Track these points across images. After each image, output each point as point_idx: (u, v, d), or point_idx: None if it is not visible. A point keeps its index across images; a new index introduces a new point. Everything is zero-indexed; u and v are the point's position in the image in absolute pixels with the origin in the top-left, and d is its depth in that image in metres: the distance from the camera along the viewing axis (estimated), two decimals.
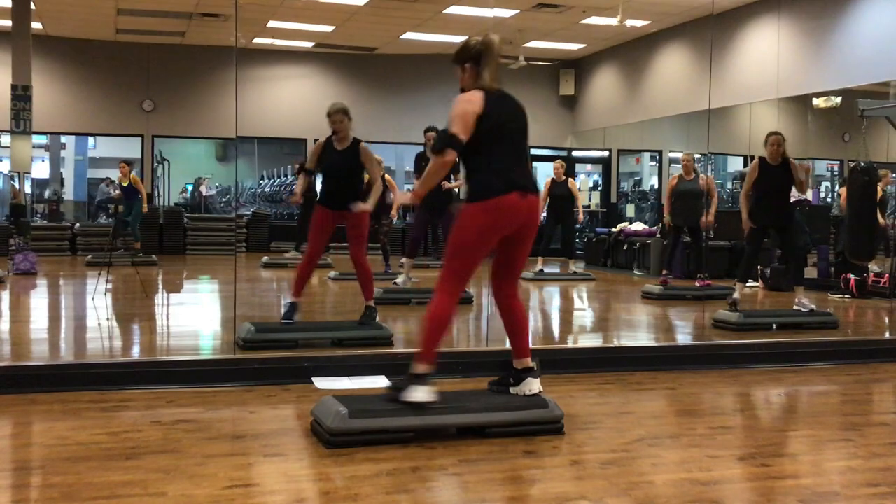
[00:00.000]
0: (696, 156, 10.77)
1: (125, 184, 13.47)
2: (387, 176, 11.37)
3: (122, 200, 13.33)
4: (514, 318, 4.24)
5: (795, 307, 7.69)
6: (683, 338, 7.51)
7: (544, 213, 11.68)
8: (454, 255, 4.02)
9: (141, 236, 13.68)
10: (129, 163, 13.98)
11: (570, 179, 12.01)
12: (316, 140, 18.08)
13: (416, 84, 17.44)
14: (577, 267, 12.22)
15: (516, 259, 4.20)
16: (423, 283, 10.68)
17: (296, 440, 3.98)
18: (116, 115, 16.67)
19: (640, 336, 7.55)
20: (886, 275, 9.92)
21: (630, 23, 13.52)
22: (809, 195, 12.61)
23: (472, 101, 4.11)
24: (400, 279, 9.41)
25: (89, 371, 5.00)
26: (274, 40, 16.11)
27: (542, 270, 11.49)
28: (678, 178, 10.20)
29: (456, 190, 9.10)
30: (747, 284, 10.30)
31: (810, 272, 11.55)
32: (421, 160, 9.44)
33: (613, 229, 14.33)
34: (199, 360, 5.61)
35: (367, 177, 6.47)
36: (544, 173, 18.61)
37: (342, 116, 6.36)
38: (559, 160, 12.67)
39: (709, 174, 17.12)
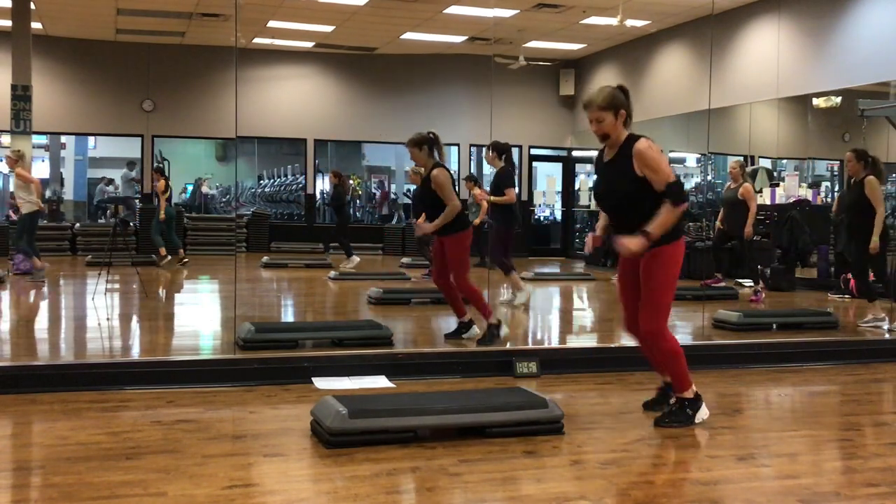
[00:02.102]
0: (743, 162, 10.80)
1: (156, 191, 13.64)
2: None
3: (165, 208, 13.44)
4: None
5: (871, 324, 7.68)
6: (683, 338, 7.50)
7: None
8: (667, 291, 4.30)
9: (161, 242, 13.56)
10: (159, 171, 14.02)
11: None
12: (316, 140, 18.16)
13: (416, 84, 17.45)
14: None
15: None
16: (423, 283, 10.70)
17: (296, 440, 3.98)
18: (116, 115, 16.66)
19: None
20: None
21: (630, 23, 13.51)
22: (809, 195, 12.62)
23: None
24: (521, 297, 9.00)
25: (89, 371, 5.00)
26: (274, 40, 16.11)
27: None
28: (727, 186, 10.26)
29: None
30: (747, 285, 10.34)
31: (810, 272, 11.56)
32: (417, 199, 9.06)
33: None
34: (199, 360, 5.61)
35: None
36: (544, 173, 18.67)
37: (411, 147, 6.38)
38: None
39: (709, 174, 17.22)
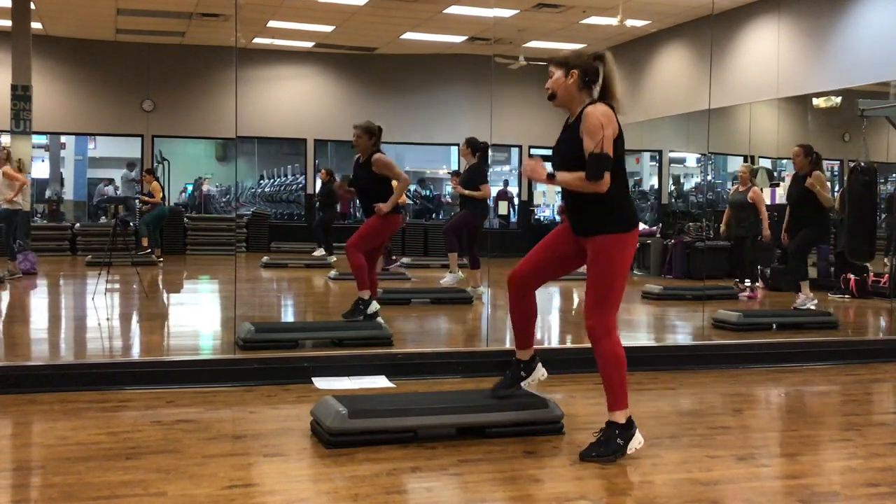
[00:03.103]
0: (755, 167, 11.05)
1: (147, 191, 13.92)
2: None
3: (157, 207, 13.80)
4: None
5: None
6: (683, 338, 7.51)
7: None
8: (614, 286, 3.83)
9: (148, 234, 13.83)
10: (150, 171, 14.37)
11: None
12: (316, 140, 18.14)
13: (416, 84, 17.44)
14: None
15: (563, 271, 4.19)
16: (422, 282, 10.70)
17: (296, 440, 3.98)
18: (116, 115, 16.66)
19: (640, 336, 7.55)
20: (886, 275, 9.91)
21: (630, 23, 13.51)
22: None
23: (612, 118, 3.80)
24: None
25: (89, 371, 5.00)
26: (274, 40, 16.10)
27: None
28: (735, 189, 10.44)
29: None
30: (748, 285, 10.34)
31: (810, 272, 11.55)
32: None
33: None
34: (199, 360, 5.61)
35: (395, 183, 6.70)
36: None
37: (360, 132, 6.68)
38: None
39: (709, 174, 17.22)
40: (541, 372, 4.20)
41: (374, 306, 6.58)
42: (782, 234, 8.71)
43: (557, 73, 3.90)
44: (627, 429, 3.77)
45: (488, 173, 9.55)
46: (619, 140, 3.80)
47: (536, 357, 4.20)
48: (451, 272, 9.65)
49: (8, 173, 10.41)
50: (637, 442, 3.77)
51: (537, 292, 4.10)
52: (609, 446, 3.73)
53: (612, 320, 3.84)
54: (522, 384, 4.20)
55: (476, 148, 9.19)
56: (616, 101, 3.88)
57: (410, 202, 17.55)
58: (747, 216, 9.93)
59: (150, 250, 13.51)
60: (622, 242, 3.80)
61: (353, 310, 6.51)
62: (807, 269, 8.50)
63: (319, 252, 14.04)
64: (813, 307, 8.25)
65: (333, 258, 13.47)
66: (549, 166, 4.00)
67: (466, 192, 9.10)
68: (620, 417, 3.78)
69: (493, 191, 15.04)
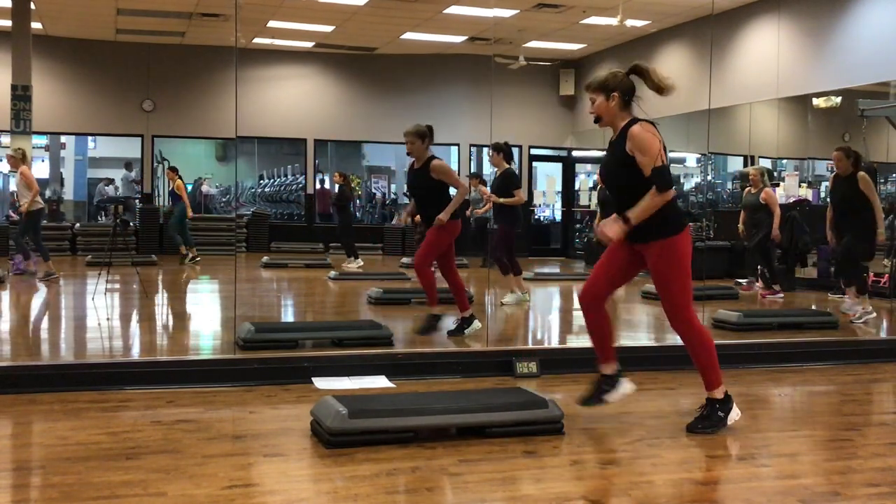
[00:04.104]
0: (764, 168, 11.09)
1: (171, 189, 13.92)
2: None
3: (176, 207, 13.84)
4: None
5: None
6: None
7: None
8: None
9: (181, 241, 13.85)
10: (173, 169, 14.25)
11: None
12: (316, 140, 18.16)
13: (416, 84, 17.45)
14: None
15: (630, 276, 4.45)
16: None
17: (296, 440, 3.98)
18: (116, 115, 16.66)
19: (640, 336, 7.54)
20: (886, 275, 9.91)
21: (630, 23, 13.51)
22: (810, 195, 12.63)
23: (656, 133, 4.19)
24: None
25: (89, 371, 5.00)
26: (274, 40, 16.11)
27: None
28: (747, 191, 10.53)
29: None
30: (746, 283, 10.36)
31: (810, 272, 11.55)
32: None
33: None
34: (199, 360, 5.61)
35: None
36: (544, 173, 18.66)
37: (412, 138, 6.49)
38: None
39: (709, 174, 17.22)
40: (626, 387, 4.38)
41: (476, 325, 6.61)
42: (828, 235, 8.62)
43: (599, 99, 4.25)
44: (726, 402, 4.22)
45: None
46: (664, 150, 4.16)
47: (620, 371, 4.39)
48: (512, 292, 8.94)
49: (26, 174, 10.41)
50: (735, 414, 4.21)
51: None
52: (712, 419, 4.19)
53: (690, 313, 4.26)
54: (606, 398, 4.35)
55: (508, 153, 8.92)
56: (668, 90, 4.37)
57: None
58: (762, 217, 10.08)
59: (189, 255, 13.52)
60: (679, 243, 4.16)
61: (426, 326, 6.54)
62: (860, 273, 8.28)
63: (354, 264, 13.02)
64: (867, 318, 7.96)
65: (360, 262, 13.07)
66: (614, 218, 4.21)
67: (502, 200, 8.70)
68: (718, 394, 4.21)
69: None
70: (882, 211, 8.02)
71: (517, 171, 9.38)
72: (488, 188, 9.41)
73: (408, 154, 6.60)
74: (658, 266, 4.17)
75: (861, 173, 8.00)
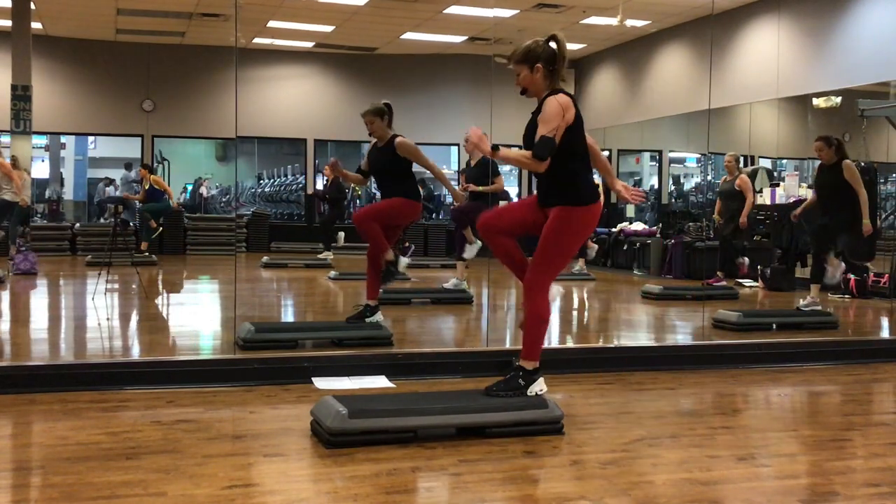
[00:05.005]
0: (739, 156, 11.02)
1: (146, 186, 13.89)
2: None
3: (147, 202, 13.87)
4: None
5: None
6: (683, 338, 7.51)
7: None
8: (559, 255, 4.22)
9: (147, 238, 13.94)
10: (147, 167, 14.39)
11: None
12: (316, 140, 18.13)
13: (416, 84, 17.44)
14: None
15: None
16: (422, 282, 10.70)
17: (296, 440, 3.98)
18: (116, 115, 16.66)
19: (640, 336, 7.55)
20: (886, 275, 9.92)
21: (630, 23, 13.51)
22: (809, 195, 12.61)
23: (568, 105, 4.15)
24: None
25: (89, 371, 4.99)
26: (274, 40, 16.11)
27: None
28: (723, 179, 10.50)
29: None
30: (748, 285, 10.36)
31: (808, 273, 11.55)
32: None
33: (613, 229, 14.33)
34: (199, 360, 5.61)
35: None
36: None
37: (371, 117, 6.45)
38: None
39: (709, 174, 17.21)
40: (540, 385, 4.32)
41: (404, 262, 6.49)
42: (793, 214, 8.65)
43: (524, 71, 4.22)
44: (531, 374, 4.25)
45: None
46: (579, 121, 4.16)
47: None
48: (456, 278, 9.45)
49: (5, 166, 10.46)
50: (538, 386, 4.23)
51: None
52: (511, 384, 4.24)
53: (548, 285, 4.22)
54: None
55: None
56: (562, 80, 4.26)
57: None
58: (737, 206, 9.98)
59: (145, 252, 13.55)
60: (576, 215, 4.16)
61: (384, 274, 6.42)
62: (821, 270, 8.29)
63: (325, 255, 13.77)
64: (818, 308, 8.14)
65: (331, 255, 13.50)
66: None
67: (481, 188, 8.80)
68: (528, 365, 4.25)
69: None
70: (867, 203, 7.86)
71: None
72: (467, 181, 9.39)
73: (370, 135, 6.52)
74: (547, 229, 4.16)
75: (846, 161, 7.88)
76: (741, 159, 10.57)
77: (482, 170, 8.90)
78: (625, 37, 15.36)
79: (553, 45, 4.19)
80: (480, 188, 8.86)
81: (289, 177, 19.29)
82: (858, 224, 7.84)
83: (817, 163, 8.31)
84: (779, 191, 12.50)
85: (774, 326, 7.44)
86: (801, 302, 8.41)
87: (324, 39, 15.97)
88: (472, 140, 4.12)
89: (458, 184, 10.09)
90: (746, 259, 10.66)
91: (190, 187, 20.15)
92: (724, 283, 10.37)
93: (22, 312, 8.34)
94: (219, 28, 14.76)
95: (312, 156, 17.74)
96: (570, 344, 7.20)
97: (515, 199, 18.28)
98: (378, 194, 6.77)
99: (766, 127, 14.41)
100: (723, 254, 10.63)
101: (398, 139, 6.40)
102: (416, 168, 6.56)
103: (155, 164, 17.11)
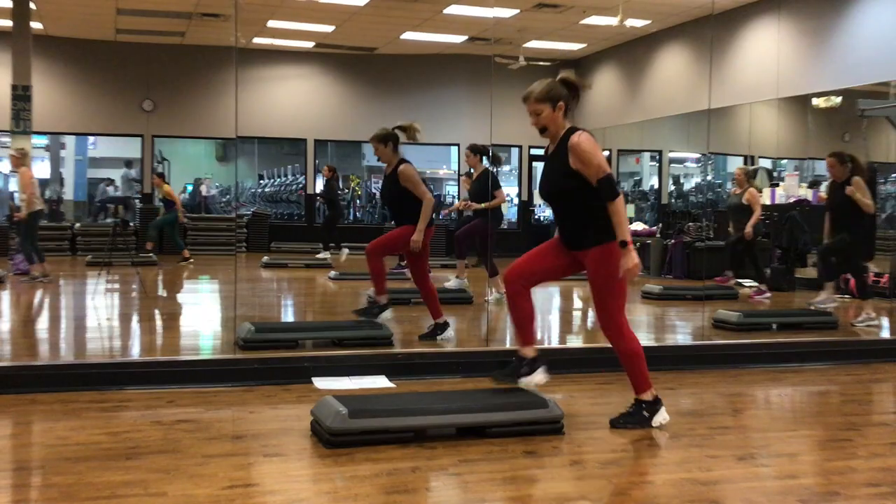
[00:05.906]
0: (750, 168, 11.04)
1: (160, 196, 14.06)
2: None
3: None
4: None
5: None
6: (683, 338, 7.51)
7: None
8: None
9: (156, 238, 14.11)
10: (160, 175, 14.43)
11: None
12: (316, 140, 18.14)
13: (416, 84, 17.45)
14: None
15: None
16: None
17: (296, 440, 3.98)
18: (116, 115, 16.66)
19: (640, 336, 7.51)
20: (886, 275, 9.92)
21: (630, 23, 13.51)
22: (809, 195, 12.62)
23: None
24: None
25: (89, 371, 5.00)
26: (274, 40, 16.10)
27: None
28: (732, 192, 10.46)
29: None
30: (748, 285, 10.35)
31: (810, 272, 11.55)
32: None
33: None
34: (199, 360, 5.61)
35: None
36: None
37: (375, 143, 6.38)
38: None
39: (709, 174, 17.22)
40: (540, 376, 4.32)
41: (388, 314, 6.45)
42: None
43: (546, 111, 4.20)
44: (653, 404, 4.26)
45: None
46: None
47: (539, 358, 4.35)
48: (457, 277, 9.47)
49: (26, 175, 10.36)
50: (662, 417, 4.25)
51: (540, 291, 4.19)
52: (636, 417, 4.24)
53: (622, 319, 4.26)
54: (522, 380, 4.30)
55: (482, 152, 8.85)
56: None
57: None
58: (746, 219, 9.91)
59: (151, 254, 13.58)
60: (616, 248, 4.10)
61: (366, 310, 6.46)
62: (833, 271, 8.37)
63: (323, 255, 13.78)
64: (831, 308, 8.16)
65: (330, 254, 13.47)
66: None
67: (482, 205, 8.70)
68: (647, 396, 4.27)
69: None
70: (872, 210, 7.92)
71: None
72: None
73: (378, 160, 6.50)
74: (595, 271, 4.18)
75: (855, 178, 7.76)
76: (752, 173, 10.53)
77: (483, 184, 8.82)
78: (625, 37, 15.35)
79: (565, 85, 4.23)
80: (483, 205, 8.75)
81: (289, 177, 19.29)
82: (870, 244, 7.90)
83: (817, 163, 8.30)
84: (779, 191, 12.51)
85: (774, 326, 7.45)
86: (816, 299, 8.40)
87: (324, 39, 15.96)
88: (633, 270, 4.07)
89: (459, 185, 10.10)
90: (731, 272, 10.62)
91: (190, 187, 20.15)
92: (732, 283, 10.34)
93: (22, 312, 8.34)
94: (219, 28, 14.76)
95: (312, 156, 17.74)
96: (570, 344, 7.20)
97: (515, 200, 18.35)
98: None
99: (766, 127, 14.41)
100: (752, 272, 10.52)
101: (400, 167, 6.34)
102: (418, 168, 6.54)
103: (155, 164, 17.12)
